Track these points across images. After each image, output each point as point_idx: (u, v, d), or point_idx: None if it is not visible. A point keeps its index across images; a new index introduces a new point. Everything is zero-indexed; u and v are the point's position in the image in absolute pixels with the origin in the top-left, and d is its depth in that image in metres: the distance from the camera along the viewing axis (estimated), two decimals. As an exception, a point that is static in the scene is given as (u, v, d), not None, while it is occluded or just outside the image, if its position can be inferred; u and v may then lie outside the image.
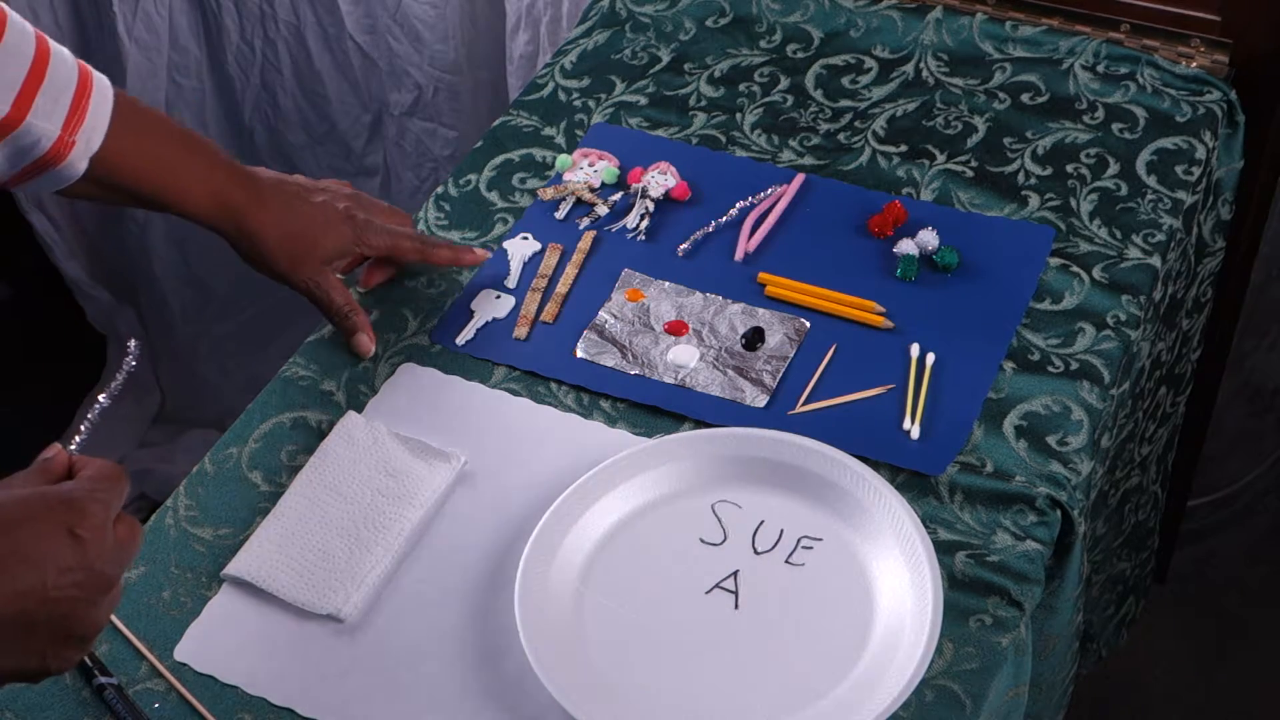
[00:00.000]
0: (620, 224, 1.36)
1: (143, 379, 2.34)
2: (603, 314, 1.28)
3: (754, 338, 1.25)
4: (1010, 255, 1.30)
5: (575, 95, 1.50)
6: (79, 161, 1.13)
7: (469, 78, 1.98)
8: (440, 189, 1.41)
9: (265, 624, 1.09)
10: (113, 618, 1.08)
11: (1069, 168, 1.38)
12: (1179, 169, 1.37)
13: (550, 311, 1.29)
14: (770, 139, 1.43)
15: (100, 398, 0.94)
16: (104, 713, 1.04)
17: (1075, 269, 1.28)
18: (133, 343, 0.96)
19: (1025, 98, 1.45)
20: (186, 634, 1.08)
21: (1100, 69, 1.47)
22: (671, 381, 1.23)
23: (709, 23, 1.56)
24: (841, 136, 1.43)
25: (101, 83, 1.15)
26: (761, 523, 1.12)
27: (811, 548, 1.10)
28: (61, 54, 1.12)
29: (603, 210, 1.37)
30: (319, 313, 1.32)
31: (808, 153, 1.42)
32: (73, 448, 0.88)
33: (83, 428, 0.92)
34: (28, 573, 0.79)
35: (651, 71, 1.52)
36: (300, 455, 1.19)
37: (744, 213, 1.36)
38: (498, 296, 1.30)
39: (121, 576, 0.85)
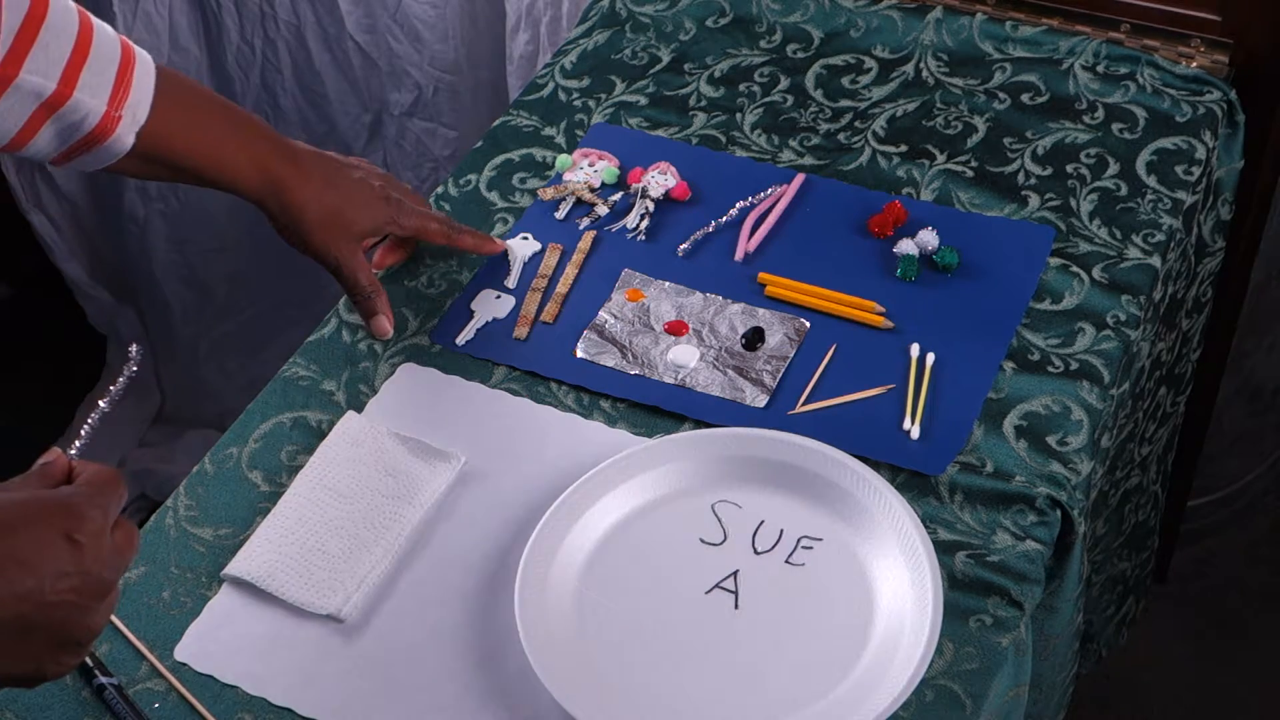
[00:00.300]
0: (620, 224, 1.36)
1: (143, 379, 2.34)
2: (603, 314, 1.28)
3: (754, 338, 1.25)
4: (1010, 255, 1.30)
5: (575, 95, 1.50)
6: (126, 136, 1.14)
7: (469, 78, 1.98)
8: (440, 189, 1.41)
9: (265, 624, 1.09)
10: (113, 618, 1.08)
11: (1069, 168, 1.38)
12: (1179, 169, 1.37)
13: (550, 311, 1.29)
14: (770, 139, 1.43)
15: (100, 403, 0.93)
16: (104, 713, 1.04)
17: (1075, 269, 1.28)
18: (134, 348, 0.96)
19: (1025, 98, 1.45)
20: (186, 634, 1.08)
21: (1100, 69, 1.47)
22: (671, 381, 1.23)
23: (709, 23, 1.56)
24: (841, 136, 1.43)
25: (143, 57, 1.16)
26: (761, 523, 1.12)
27: (811, 548, 1.10)
28: (104, 29, 1.13)
29: (603, 210, 1.37)
30: (318, 314, 1.32)
31: (808, 153, 1.42)
32: (72, 452, 0.88)
33: (83, 432, 0.92)
34: (25, 577, 0.79)
35: (651, 71, 1.52)
36: (300, 455, 1.19)
37: (744, 213, 1.36)
38: (498, 296, 1.30)
39: (119, 582, 0.85)
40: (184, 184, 1.25)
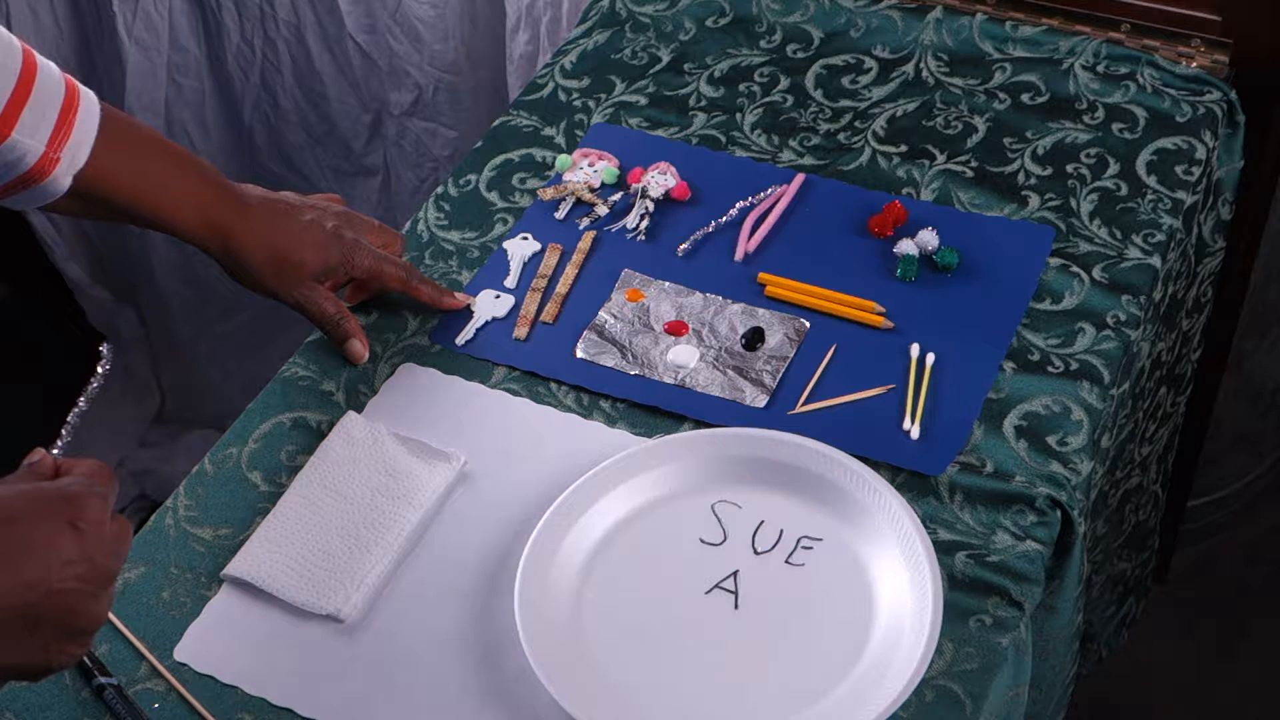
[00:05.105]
0: (620, 224, 1.36)
1: (143, 379, 2.34)
2: (603, 314, 1.28)
3: (754, 338, 1.25)
4: (1010, 255, 1.30)
5: (575, 95, 1.50)
6: (63, 178, 1.13)
7: (469, 78, 1.98)
8: (440, 189, 1.41)
9: (265, 624, 1.09)
10: (113, 618, 1.08)
11: (1069, 168, 1.38)
12: (1179, 169, 1.37)
13: (550, 311, 1.29)
14: (770, 139, 1.43)
15: (79, 401, 0.94)
16: (104, 713, 1.04)
17: (1075, 269, 1.28)
18: (104, 346, 0.96)
19: (1025, 98, 1.45)
20: (186, 634, 1.08)
21: (1100, 69, 1.47)
22: (671, 382, 1.22)
23: (709, 23, 1.56)
24: (841, 136, 1.43)
25: (89, 99, 1.14)
26: (761, 523, 1.12)
27: (811, 548, 1.10)
28: (49, 69, 1.12)
29: (603, 210, 1.37)
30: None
31: (808, 153, 1.42)
32: (55, 451, 0.89)
33: (63, 432, 0.92)
34: (32, 565, 0.80)
35: (651, 71, 1.52)
36: (300, 455, 1.19)
37: (744, 213, 1.36)
38: (497, 296, 1.30)
39: (119, 571, 0.85)
40: (128, 225, 1.23)
